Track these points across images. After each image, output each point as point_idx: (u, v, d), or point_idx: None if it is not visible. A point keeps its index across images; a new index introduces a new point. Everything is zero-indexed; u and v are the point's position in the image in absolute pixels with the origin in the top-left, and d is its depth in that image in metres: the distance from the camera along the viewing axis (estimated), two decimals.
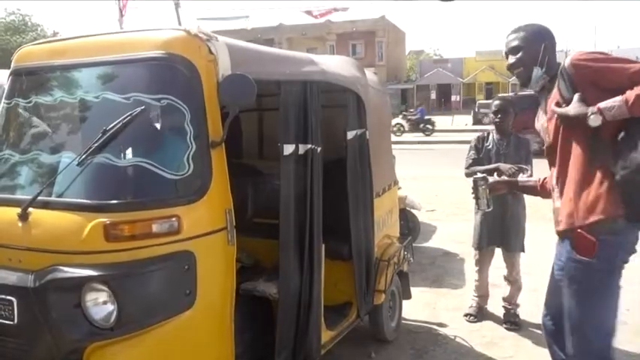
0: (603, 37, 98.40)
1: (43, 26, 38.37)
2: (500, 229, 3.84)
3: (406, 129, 22.98)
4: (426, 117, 23.95)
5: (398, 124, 22.74)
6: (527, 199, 3.86)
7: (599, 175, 2.03)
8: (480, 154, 3.87)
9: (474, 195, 2.73)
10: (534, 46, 2.23)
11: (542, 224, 6.60)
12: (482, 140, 3.92)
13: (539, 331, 3.84)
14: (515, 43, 2.30)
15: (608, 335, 2.16)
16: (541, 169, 3.57)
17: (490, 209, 2.80)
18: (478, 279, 4.05)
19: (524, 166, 3.62)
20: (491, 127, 3.99)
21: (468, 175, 3.92)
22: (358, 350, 3.50)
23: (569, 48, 39.57)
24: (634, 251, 2.11)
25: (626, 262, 2.12)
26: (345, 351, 3.36)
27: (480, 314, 4.03)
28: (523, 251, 3.93)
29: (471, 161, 3.89)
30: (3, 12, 38.98)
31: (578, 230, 2.07)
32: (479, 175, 2.74)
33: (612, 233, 2.02)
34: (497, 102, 3.95)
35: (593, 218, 2.03)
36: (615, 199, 1.99)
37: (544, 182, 2.50)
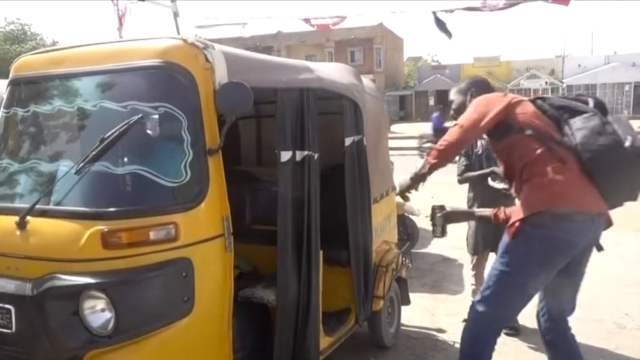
0: (600, 42, 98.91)
1: (43, 35, 38.55)
2: (494, 233, 3.83)
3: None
4: (445, 125, 22.38)
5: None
6: None
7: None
8: (471, 161, 3.88)
9: (431, 222, 2.95)
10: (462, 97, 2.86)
11: None
12: (471, 147, 3.93)
13: (538, 336, 3.83)
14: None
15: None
16: None
17: (443, 237, 3.00)
18: (474, 283, 4.05)
19: None
20: None
21: (461, 182, 3.93)
22: (357, 356, 3.50)
23: (567, 54, 39.88)
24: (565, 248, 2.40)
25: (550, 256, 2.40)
26: (344, 357, 3.36)
27: None
28: None
29: (463, 167, 3.89)
30: (3, 21, 39.16)
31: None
32: (436, 204, 2.93)
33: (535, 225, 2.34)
34: None
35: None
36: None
37: (497, 212, 2.68)
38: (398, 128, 25.49)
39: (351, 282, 3.16)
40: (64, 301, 2.04)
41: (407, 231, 5.76)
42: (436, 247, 6.23)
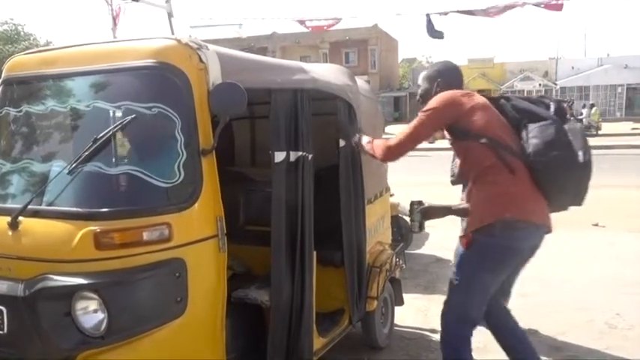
0: (593, 45, 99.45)
1: (36, 35, 38.31)
2: None
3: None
4: None
5: None
6: None
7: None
8: None
9: (409, 217, 3.01)
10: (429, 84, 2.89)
11: None
12: None
13: (530, 337, 3.85)
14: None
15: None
16: None
17: (421, 232, 3.07)
18: None
19: None
20: None
21: (454, 183, 3.93)
22: (351, 357, 3.50)
23: (560, 56, 40.05)
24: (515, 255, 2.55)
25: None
26: (337, 358, 3.36)
27: None
28: None
29: (457, 169, 3.90)
30: None
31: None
32: (415, 199, 2.96)
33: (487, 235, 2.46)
34: None
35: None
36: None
37: None
38: (393, 129, 25.50)
39: (345, 283, 3.16)
40: (56, 301, 2.03)
41: (401, 232, 5.77)
42: (430, 247, 6.26)
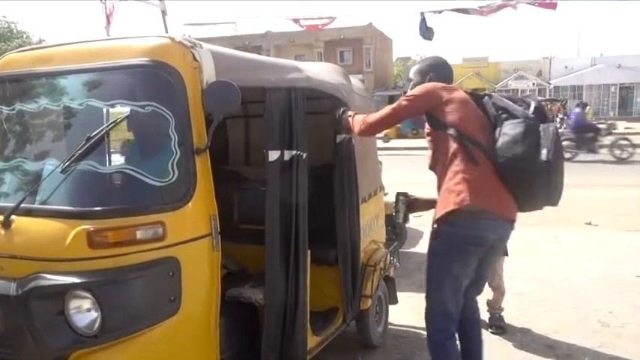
0: (586, 44, 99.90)
1: (29, 33, 38.07)
2: None
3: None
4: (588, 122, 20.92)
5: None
6: None
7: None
8: None
9: (394, 208, 3.00)
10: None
11: (525, 228, 6.69)
12: None
13: (524, 335, 3.88)
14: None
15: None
16: None
17: (406, 223, 3.06)
18: None
19: None
20: None
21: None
22: (345, 355, 3.50)
23: (554, 55, 40.24)
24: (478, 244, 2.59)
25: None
26: (331, 356, 3.36)
27: None
28: (506, 255, 3.94)
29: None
30: None
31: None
32: (401, 191, 2.93)
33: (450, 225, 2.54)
34: None
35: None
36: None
37: None
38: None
39: (339, 281, 3.17)
40: (49, 300, 2.03)
41: (395, 231, 5.77)
42: (424, 246, 6.23)
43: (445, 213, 2.54)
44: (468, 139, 2.56)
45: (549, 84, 36.58)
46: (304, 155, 2.69)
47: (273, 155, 2.50)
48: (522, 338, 3.82)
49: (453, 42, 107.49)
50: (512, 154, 2.49)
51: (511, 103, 2.70)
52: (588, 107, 24.62)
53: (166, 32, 7.15)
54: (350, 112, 3.05)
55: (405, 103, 2.76)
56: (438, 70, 2.94)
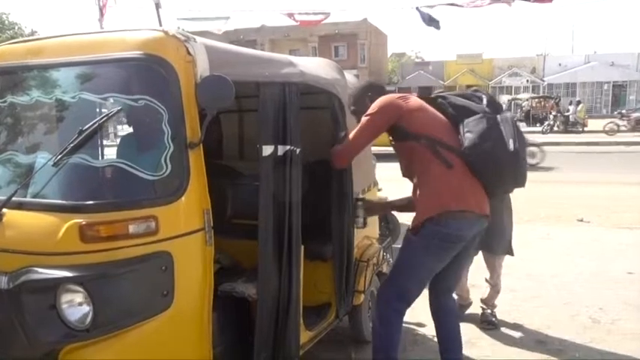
0: (580, 41, 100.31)
1: (21, 25, 37.75)
2: (485, 234, 3.85)
3: None
4: None
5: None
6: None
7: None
8: None
9: (354, 213, 3.19)
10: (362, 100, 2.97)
11: (518, 226, 6.72)
12: None
13: (516, 331, 3.90)
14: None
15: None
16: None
17: (364, 227, 3.25)
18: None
19: None
20: None
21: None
22: (338, 350, 3.52)
23: (548, 52, 40.36)
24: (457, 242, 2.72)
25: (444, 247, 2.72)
26: (324, 352, 3.37)
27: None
28: (511, 254, 3.94)
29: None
30: None
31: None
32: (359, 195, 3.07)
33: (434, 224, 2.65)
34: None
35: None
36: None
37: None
38: None
39: (332, 277, 3.17)
40: (40, 294, 2.01)
41: (388, 226, 5.78)
42: None
43: (429, 216, 2.64)
44: (439, 144, 2.67)
45: (543, 81, 36.72)
46: (298, 150, 2.68)
47: (267, 150, 2.50)
48: (514, 334, 3.85)
49: (447, 38, 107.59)
50: (481, 150, 2.62)
51: (466, 100, 2.84)
52: (581, 105, 24.77)
53: (160, 25, 7.11)
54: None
55: (367, 123, 2.78)
56: (376, 88, 3.03)
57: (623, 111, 25.28)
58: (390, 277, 2.88)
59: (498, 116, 2.72)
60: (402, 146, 2.81)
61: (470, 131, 2.67)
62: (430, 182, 2.68)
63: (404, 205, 3.15)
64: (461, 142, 2.68)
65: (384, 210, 3.09)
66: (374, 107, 2.79)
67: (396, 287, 2.80)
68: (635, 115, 22.93)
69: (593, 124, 23.99)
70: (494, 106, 2.81)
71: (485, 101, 2.81)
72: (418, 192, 2.75)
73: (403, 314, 2.85)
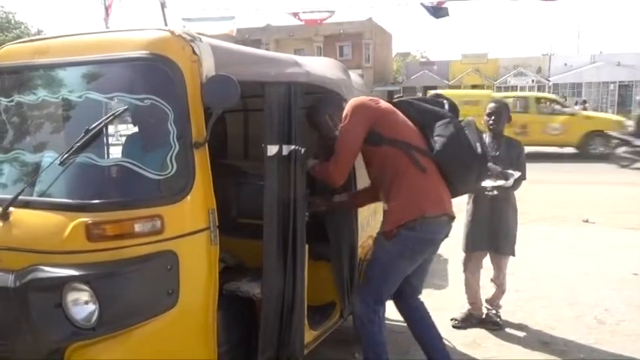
0: (586, 41, 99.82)
1: (27, 24, 37.94)
2: (488, 232, 3.85)
3: None
4: None
5: None
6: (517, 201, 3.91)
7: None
8: None
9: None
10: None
11: (523, 226, 6.70)
12: None
13: (520, 331, 3.89)
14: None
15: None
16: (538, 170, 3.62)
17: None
18: (465, 282, 4.07)
19: (510, 171, 3.62)
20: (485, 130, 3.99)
21: None
22: (342, 350, 3.52)
23: (554, 52, 40.19)
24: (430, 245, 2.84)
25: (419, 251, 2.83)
26: (328, 351, 3.37)
27: (465, 322, 3.98)
28: (513, 255, 3.92)
29: None
30: None
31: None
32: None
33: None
34: (492, 104, 3.91)
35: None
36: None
37: (356, 195, 3.15)
38: None
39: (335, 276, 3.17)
40: (47, 293, 2.02)
41: None
42: None
43: (404, 222, 2.70)
44: (412, 148, 2.73)
45: (549, 81, 36.55)
46: (303, 150, 2.69)
47: (272, 150, 2.50)
48: (519, 335, 3.84)
49: (453, 38, 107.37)
50: (452, 153, 2.73)
51: (430, 105, 2.94)
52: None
53: (165, 25, 7.12)
54: (310, 163, 2.86)
55: (348, 131, 2.72)
56: (331, 103, 2.99)
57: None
58: (366, 282, 2.93)
59: (463, 121, 2.84)
60: (375, 151, 2.78)
61: (440, 135, 2.75)
62: (406, 187, 2.72)
63: (344, 204, 3.17)
64: (432, 145, 2.76)
65: (325, 205, 3.12)
66: (349, 110, 2.76)
67: (373, 292, 2.86)
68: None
69: None
70: (456, 111, 2.94)
71: (447, 106, 2.93)
72: (391, 197, 2.76)
73: (383, 313, 2.93)
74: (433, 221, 2.73)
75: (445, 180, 2.79)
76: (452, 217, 2.83)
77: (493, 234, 3.84)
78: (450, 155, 2.73)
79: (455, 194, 2.89)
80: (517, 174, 3.59)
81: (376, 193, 2.97)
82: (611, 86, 36.04)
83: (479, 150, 2.76)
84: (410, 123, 2.83)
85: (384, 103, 2.84)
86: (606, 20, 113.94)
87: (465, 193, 2.99)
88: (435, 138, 2.76)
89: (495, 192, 3.66)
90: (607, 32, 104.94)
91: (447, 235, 2.88)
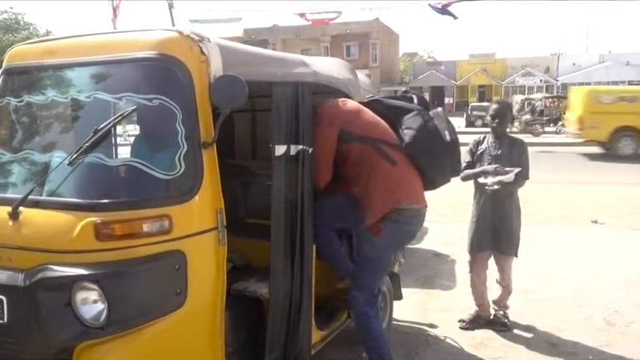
0: (595, 41, 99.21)
1: (36, 25, 38.25)
2: (491, 232, 3.84)
3: None
4: None
5: None
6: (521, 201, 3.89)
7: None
8: (473, 158, 3.88)
9: None
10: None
11: (531, 226, 6.67)
12: (477, 144, 3.94)
13: (528, 333, 3.87)
14: None
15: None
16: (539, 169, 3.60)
17: None
18: (470, 283, 4.05)
19: (507, 169, 3.62)
20: (488, 130, 3.98)
21: (462, 179, 3.94)
22: (349, 351, 3.51)
23: (562, 52, 39.98)
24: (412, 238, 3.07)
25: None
26: (336, 351, 3.37)
27: (473, 324, 3.96)
28: (516, 256, 3.89)
29: (465, 165, 3.90)
30: None
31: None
32: None
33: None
34: (495, 106, 3.89)
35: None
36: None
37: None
38: None
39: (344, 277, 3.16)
40: (56, 292, 2.04)
41: None
42: (429, 242, 6.27)
43: (384, 214, 2.75)
44: (383, 143, 2.79)
45: (557, 81, 36.38)
46: (310, 150, 2.69)
47: (280, 150, 2.50)
48: (527, 336, 3.82)
49: (460, 38, 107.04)
50: (421, 144, 2.80)
51: (398, 101, 3.03)
52: None
53: (173, 26, 7.15)
54: None
55: (320, 134, 2.75)
56: None
57: (515, 113, 25.66)
58: (362, 280, 2.95)
59: (430, 112, 2.92)
60: (348, 149, 2.80)
61: (409, 127, 2.83)
62: (381, 180, 2.77)
63: None
64: (401, 138, 2.83)
65: None
66: (320, 117, 2.78)
67: (368, 288, 2.94)
68: (525, 117, 23.00)
69: None
70: (425, 104, 3.01)
71: (415, 100, 3.02)
72: (368, 192, 2.80)
73: (377, 304, 3.09)
74: (410, 212, 2.82)
75: (420, 172, 2.85)
76: (425, 207, 2.91)
77: (496, 234, 3.82)
78: (420, 146, 2.80)
79: (432, 186, 2.96)
80: (516, 169, 3.59)
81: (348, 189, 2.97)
82: (620, 86, 35.79)
83: (447, 138, 2.83)
84: (380, 120, 2.90)
85: (351, 103, 2.93)
86: (615, 19, 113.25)
87: (443, 183, 3.02)
88: (405, 131, 2.84)
89: (496, 186, 3.66)
90: (616, 31, 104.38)
91: (421, 225, 3.01)
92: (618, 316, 4.07)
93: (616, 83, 35.54)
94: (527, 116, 23.04)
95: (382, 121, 2.89)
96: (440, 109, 3.03)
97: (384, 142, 2.80)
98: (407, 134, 2.83)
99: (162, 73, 2.21)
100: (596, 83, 35.62)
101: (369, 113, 2.90)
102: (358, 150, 2.78)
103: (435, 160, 2.86)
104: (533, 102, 25.39)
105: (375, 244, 2.85)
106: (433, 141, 2.82)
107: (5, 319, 2.10)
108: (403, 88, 39.18)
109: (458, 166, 3.04)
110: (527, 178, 3.75)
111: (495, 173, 3.63)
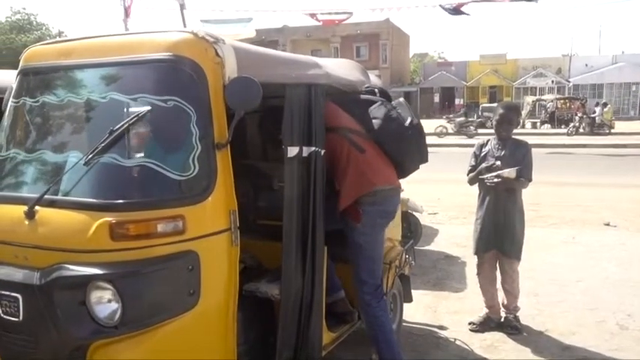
0: (607, 41, 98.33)
1: (48, 25, 38.59)
2: (494, 233, 3.82)
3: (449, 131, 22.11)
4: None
5: (441, 126, 22.09)
6: (528, 202, 3.86)
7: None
8: (477, 161, 3.87)
9: None
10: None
11: (543, 229, 6.62)
12: (481, 147, 3.93)
13: (539, 336, 3.85)
14: None
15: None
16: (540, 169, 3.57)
17: None
18: (480, 286, 4.04)
19: (507, 169, 3.62)
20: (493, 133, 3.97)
21: (469, 182, 3.93)
22: (360, 352, 3.51)
23: (574, 53, 39.68)
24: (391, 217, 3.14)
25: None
26: (346, 353, 3.37)
27: (483, 326, 3.94)
28: (518, 259, 3.86)
29: (470, 168, 3.89)
30: (9, 11, 39.14)
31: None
32: None
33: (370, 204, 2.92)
34: (501, 111, 3.83)
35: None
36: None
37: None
38: None
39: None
40: (71, 291, 2.06)
41: (410, 228, 5.76)
42: (439, 244, 6.26)
43: (361, 195, 2.88)
44: (349, 131, 2.94)
45: (569, 82, 36.10)
46: (322, 152, 2.69)
47: (292, 151, 2.51)
48: (538, 339, 3.79)
49: (471, 38, 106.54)
50: (387, 131, 2.98)
51: (362, 95, 3.19)
52: (608, 106, 24.28)
53: (184, 26, 7.18)
54: None
55: None
56: None
57: (451, 115, 26.12)
58: (361, 271, 3.01)
59: (393, 102, 3.13)
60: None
61: (376, 117, 3.01)
62: (353, 167, 2.90)
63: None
64: (369, 128, 3.00)
65: None
66: None
67: (370, 278, 3.01)
68: (459, 119, 23.11)
69: (621, 126, 23.49)
70: (387, 96, 3.21)
71: (378, 92, 3.21)
72: (342, 179, 2.92)
73: (385, 300, 3.14)
74: (384, 193, 2.96)
75: (389, 158, 3.02)
76: (398, 187, 3.10)
77: (499, 235, 3.81)
78: (385, 132, 2.98)
79: (402, 170, 3.13)
80: (517, 168, 3.59)
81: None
82: (634, 87, 35.45)
83: (408, 122, 3.00)
84: (342, 111, 3.03)
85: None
86: (628, 20, 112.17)
87: (413, 168, 3.20)
88: (372, 120, 3.01)
89: (496, 180, 3.65)
90: (629, 32, 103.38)
91: (398, 205, 3.21)
92: (631, 320, 4.04)
93: (629, 85, 35.25)
94: (461, 118, 23.13)
95: (344, 113, 3.03)
96: (402, 98, 3.23)
97: (353, 131, 2.95)
98: (374, 123, 3.00)
99: (178, 74, 2.23)
100: (609, 84, 35.42)
101: (334, 105, 3.02)
102: (330, 140, 2.85)
103: (400, 143, 3.02)
104: (544, 103, 25.22)
105: (360, 229, 2.95)
106: (397, 127, 2.99)
107: (21, 317, 2.13)
108: (414, 89, 39.26)
109: (425, 150, 3.17)
110: (530, 180, 3.73)
111: (493, 170, 3.64)
